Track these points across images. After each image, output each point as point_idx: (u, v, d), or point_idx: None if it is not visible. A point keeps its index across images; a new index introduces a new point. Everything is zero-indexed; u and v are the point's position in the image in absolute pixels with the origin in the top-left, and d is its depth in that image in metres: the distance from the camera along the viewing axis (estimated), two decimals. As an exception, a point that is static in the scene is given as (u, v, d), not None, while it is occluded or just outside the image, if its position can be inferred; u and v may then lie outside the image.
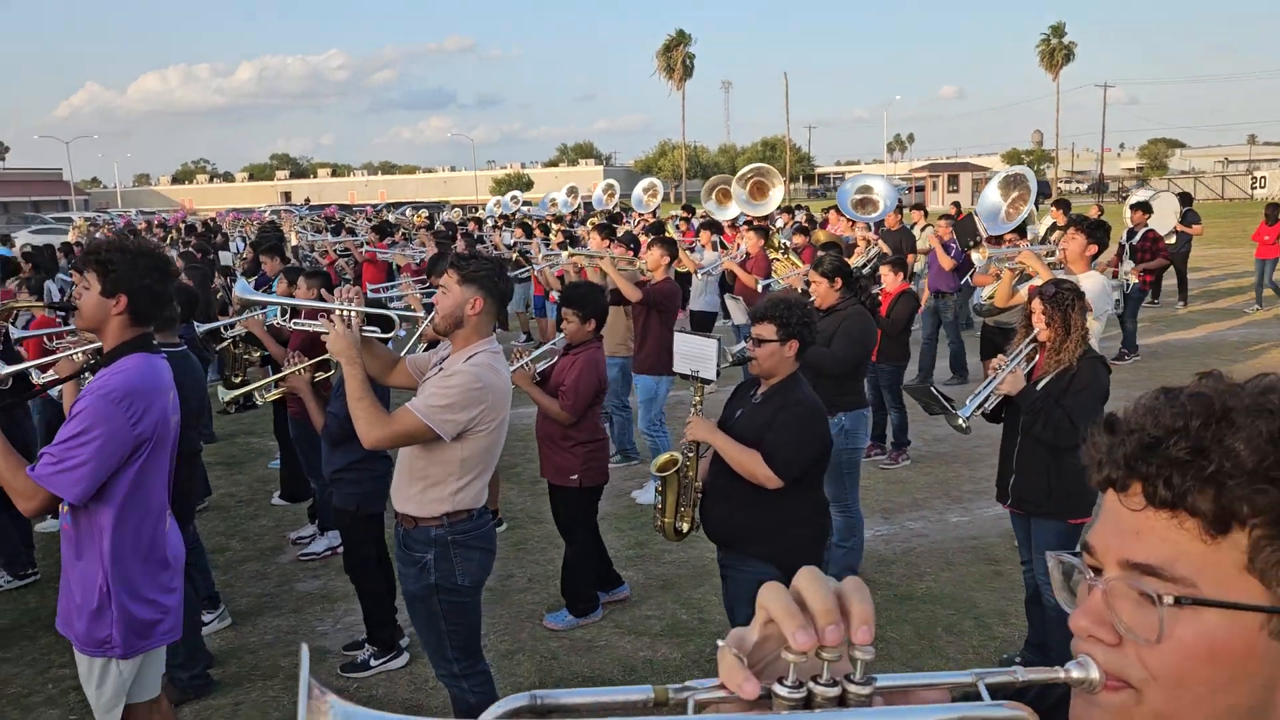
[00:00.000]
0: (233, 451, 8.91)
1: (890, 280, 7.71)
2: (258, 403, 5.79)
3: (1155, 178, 66.29)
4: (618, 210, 20.24)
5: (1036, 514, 4.28)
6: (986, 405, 4.40)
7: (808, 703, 0.73)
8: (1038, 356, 4.35)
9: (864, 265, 9.49)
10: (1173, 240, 11.72)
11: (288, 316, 4.42)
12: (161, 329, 4.20)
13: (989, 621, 5.06)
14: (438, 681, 4.15)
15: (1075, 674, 0.82)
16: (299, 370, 5.17)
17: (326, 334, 3.41)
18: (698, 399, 4.03)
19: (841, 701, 0.74)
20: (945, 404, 4.84)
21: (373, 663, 4.74)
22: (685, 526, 4.09)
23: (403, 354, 3.93)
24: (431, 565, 3.43)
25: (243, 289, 4.86)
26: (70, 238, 23.90)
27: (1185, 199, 15.53)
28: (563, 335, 5.20)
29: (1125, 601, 0.82)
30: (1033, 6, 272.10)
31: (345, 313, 3.35)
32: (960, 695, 0.80)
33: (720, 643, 0.77)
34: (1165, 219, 10.71)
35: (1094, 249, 5.60)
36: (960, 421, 4.55)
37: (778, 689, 0.73)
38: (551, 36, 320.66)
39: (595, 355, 5.10)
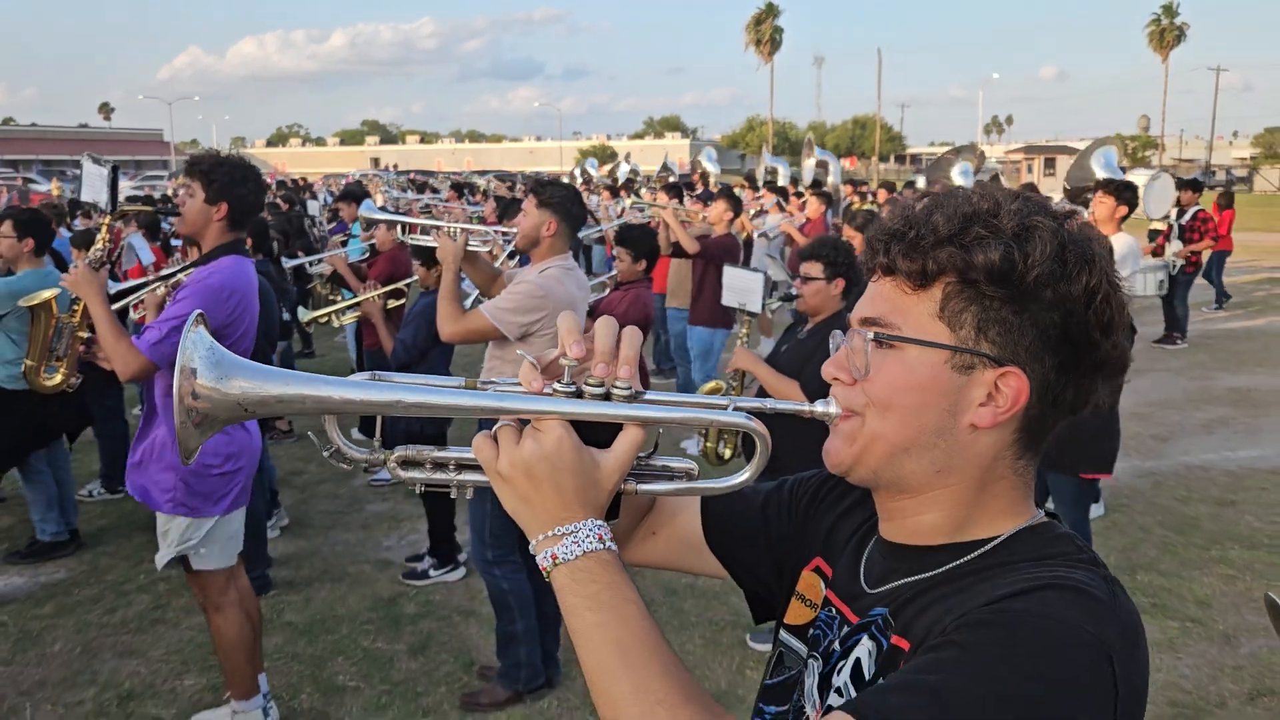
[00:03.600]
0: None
1: None
2: (335, 324, 6.15)
3: (1268, 166, 63.42)
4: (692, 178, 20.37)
5: (1049, 467, 4.33)
6: None
7: (578, 395, 0.97)
8: None
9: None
10: (1163, 228, 11.29)
11: (403, 231, 4.86)
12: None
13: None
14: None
15: (819, 408, 1.05)
16: (374, 297, 5.52)
17: (435, 246, 3.85)
18: (744, 331, 4.22)
19: (606, 397, 0.98)
20: None
21: (431, 573, 5.07)
22: (728, 453, 4.30)
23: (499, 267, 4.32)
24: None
25: (368, 208, 5.24)
26: (168, 191, 25.07)
27: (1195, 185, 14.79)
28: (614, 272, 5.45)
29: (857, 348, 1.03)
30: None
31: (453, 229, 3.84)
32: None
33: (522, 353, 1.03)
34: (1161, 203, 10.31)
35: (1123, 210, 5.58)
36: None
37: (556, 385, 0.98)
38: (641, 9, 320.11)
39: (643, 293, 5.32)
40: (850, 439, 1.04)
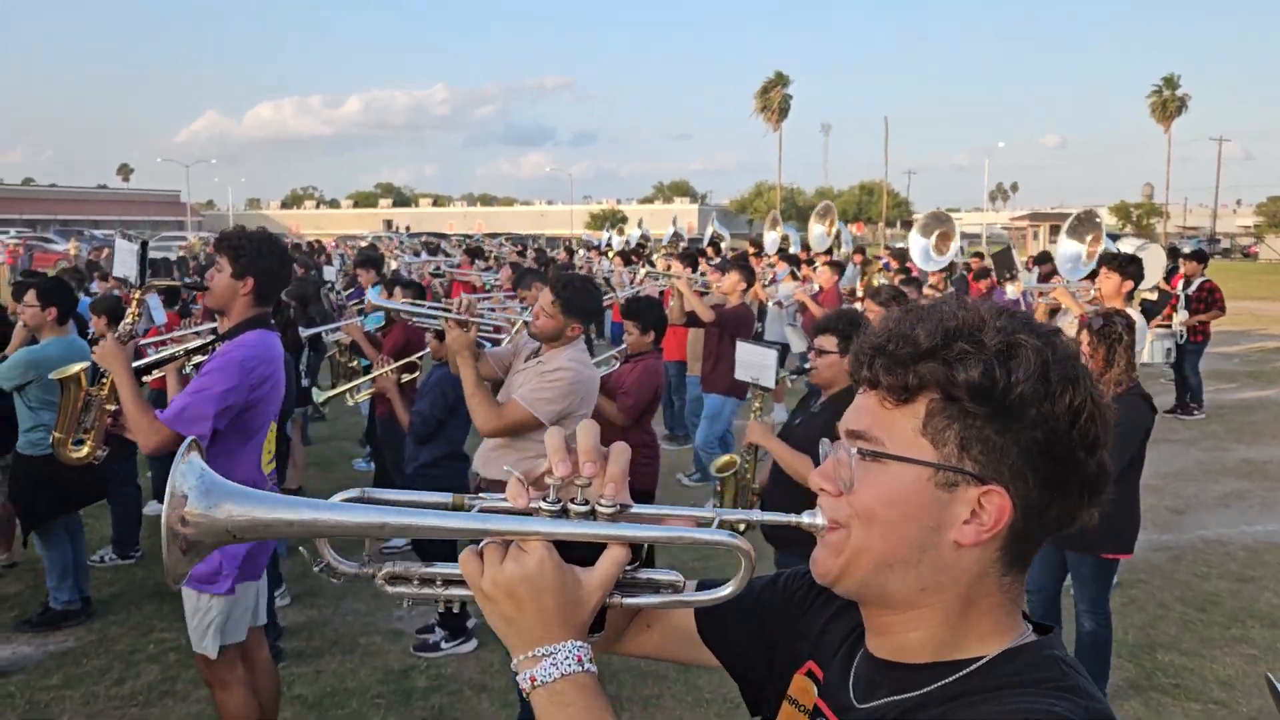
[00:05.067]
0: (326, 453, 9.40)
1: None
2: (349, 402, 6.17)
3: (1273, 235, 63.72)
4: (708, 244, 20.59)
5: (1068, 545, 4.28)
6: None
7: (564, 514, 1.00)
8: None
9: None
10: (1154, 297, 11.29)
11: (409, 320, 4.92)
12: None
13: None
14: (503, 664, 4.42)
15: (805, 520, 1.05)
16: (387, 372, 5.56)
17: (434, 332, 3.91)
18: (757, 405, 4.24)
19: (591, 515, 1.00)
20: None
21: (443, 645, 5.03)
22: (742, 527, 4.28)
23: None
24: None
25: (375, 295, 5.32)
26: (182, 253, 25.45)
27: (1174, 254, 14.87)
28: (624, 345, 5.50)
29: (842, 460, 1.04)
30: (1142, 56, 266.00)
31: (465, 319, 3.93)
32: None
33: (509, 469, 1.06)
34: (1151, 272, 10.35)
35: (1129, 285, 5.57)
36: None
37: (541, 504, 1.00)
38: (649, 76, 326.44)
39: (653, 364, 5.35)
40: (836, 550, 1.04)
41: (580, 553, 1.00)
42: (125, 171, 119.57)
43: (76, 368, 3.58)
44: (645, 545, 1.07)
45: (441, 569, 1.05)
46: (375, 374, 5.73)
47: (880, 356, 1.01)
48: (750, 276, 7.60)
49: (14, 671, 4.81)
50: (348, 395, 6.06)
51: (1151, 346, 10.89)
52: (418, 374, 5.82)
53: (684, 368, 8.39)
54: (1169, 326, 11.26)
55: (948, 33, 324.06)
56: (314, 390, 6.53)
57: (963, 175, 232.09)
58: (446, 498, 1.05)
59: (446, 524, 1.01)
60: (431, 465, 5.12)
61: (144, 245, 3.81)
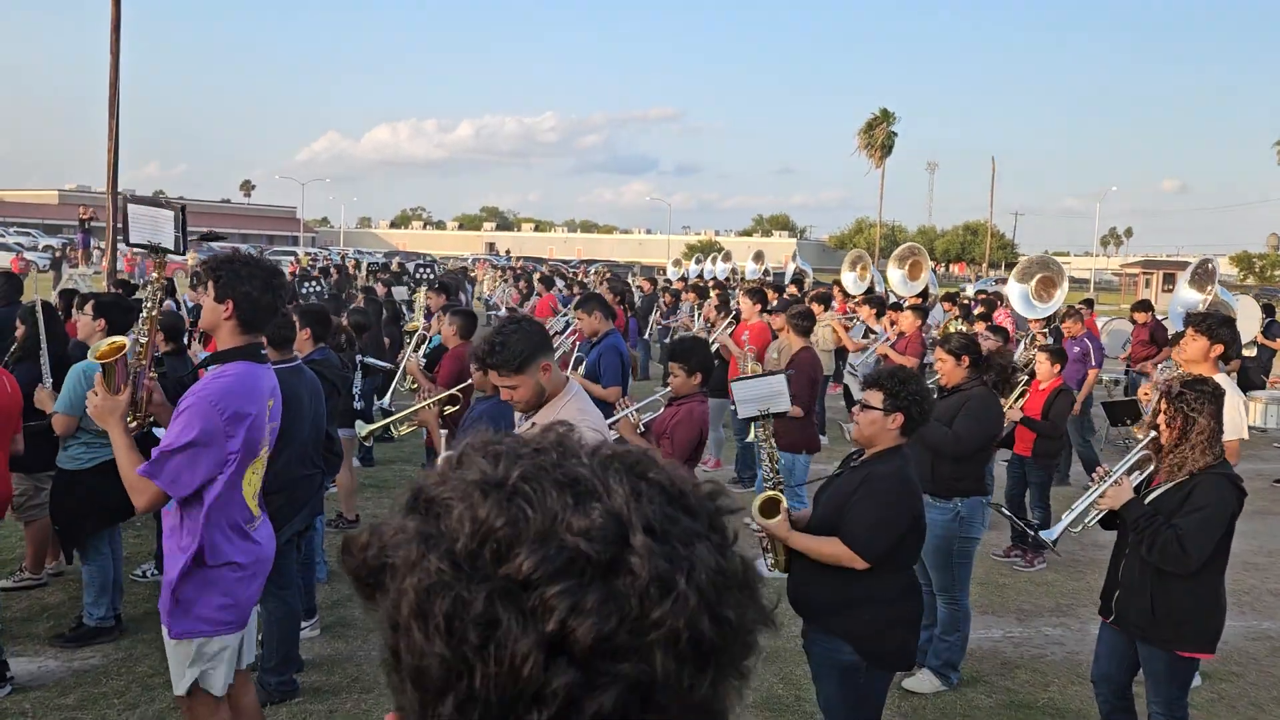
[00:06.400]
0: (386, 475, 9.37)
1: (1046, 372, 7.20)
2: (393, 435, 6.06)
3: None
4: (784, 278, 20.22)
5: (1140, 638, 3.86)
6: (1086, 520, 4.02)
7: None
8: (1155, 465, 3.91)
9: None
10: (1252, 353, 10.38)
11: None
12: (275, 347, 4.53)
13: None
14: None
15: None
16: (429, 405, 5.43)
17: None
18: (762, 433, 3.96)
19: None
20: (1018, 524, 4.50)
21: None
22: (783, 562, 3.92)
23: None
24: None
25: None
26: (290, 270, 26.16)
27: (1269, 309, 13.79)
28: (669, 388, 5.23)
29: None
30: (1268, 102, 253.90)
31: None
32: None
33: None
34: (1247, 328, 9.46)
35: (1219, 349, 4.83)
36: (1049, 543, 4.22)
37: None
38: (754, 110, 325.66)
39: (697, 408, 5.06)
40: None
41: None
42: (247, 188, 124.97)
43: (106, 344, 3.35)
44: None
45: None
46: (415, 407, 5.63)
47: None
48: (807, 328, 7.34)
49: (34, 687, 4.78)
50: (391, 428, 5.95)
51: (1263, 410, 10.15)
52: (458, 406, 5.68)
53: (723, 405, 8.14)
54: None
55: (1061, 72, 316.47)
56: (358, 424, 6.48)
57: (1072, 219, 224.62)
58: None
59: None
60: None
61: (183, 210, 3.59)
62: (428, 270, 16.97)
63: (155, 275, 3.44)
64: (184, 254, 3.59)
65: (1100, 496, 3.89)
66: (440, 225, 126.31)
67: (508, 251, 69.46)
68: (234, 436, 3.11)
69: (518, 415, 3.70)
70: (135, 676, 4.92)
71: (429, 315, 9.66)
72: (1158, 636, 3.79)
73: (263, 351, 3.36)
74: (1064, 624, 6.19)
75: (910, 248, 15.34)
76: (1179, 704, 3.91)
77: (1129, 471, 3.95)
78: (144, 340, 3.35)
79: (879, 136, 75.60)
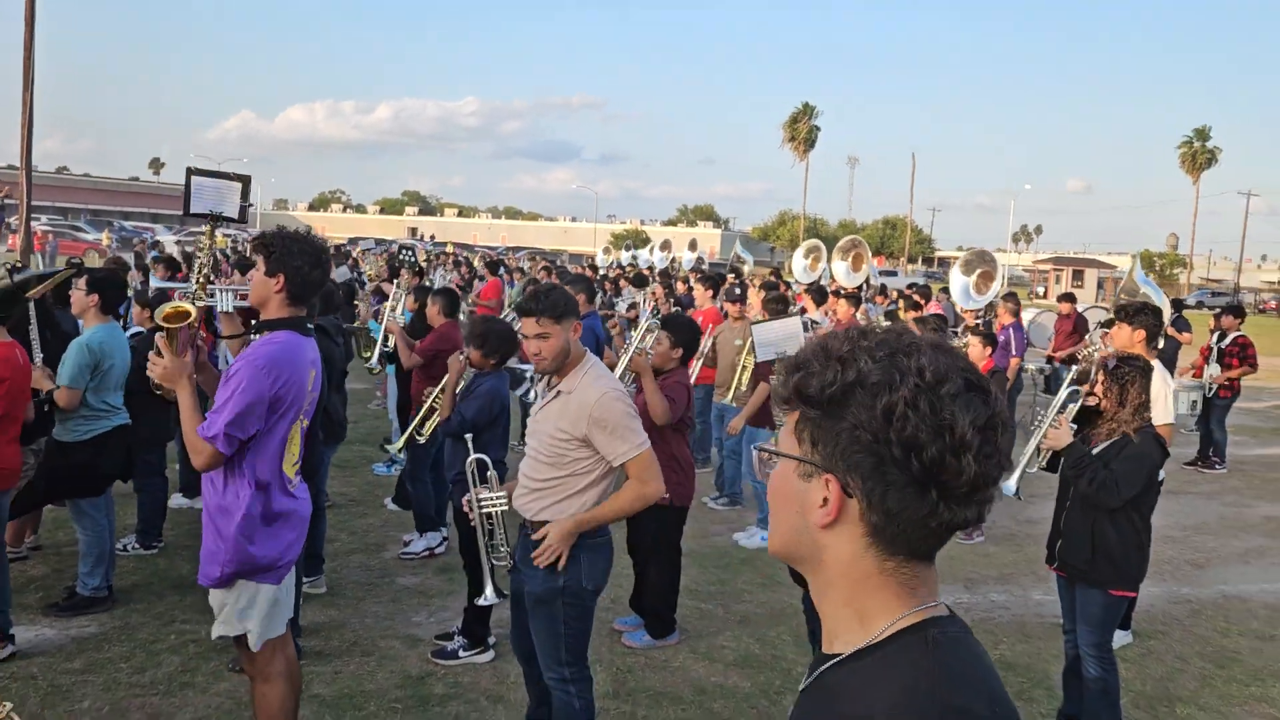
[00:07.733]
0: (348, 457, 9.45)
1: (978, 354, 7.64)
2: (420, 439, 6.11)
3: (1295, 292, 63.30)
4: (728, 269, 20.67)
5: (1079, 580, 4.37)
6: (1038, 463, 4.59)
7: None
8: (1094, 427, 4.47)
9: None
10: (1160, 344, 11.22)
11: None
12: None
13: (1060, 692, 5.06)
14: (518, 678, 4.43)
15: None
16: (435, 399, 5.73)
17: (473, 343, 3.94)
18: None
19: None
20: None
21: (461, 653, 5.04)
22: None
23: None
24: (562, 568, 3.55)
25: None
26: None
27: (1176, 305, 14.81)
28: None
29: (762, 459, 1.30)
30: (1173, 106, 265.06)
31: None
32: None
33: None
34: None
35: (1141, 334, 5.40)
36: (1013, 494, 4.72)
37: None
38: (678, 101, 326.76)
39: (683, 377, 5.37)
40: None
41: None
42: (157, 165, 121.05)
43: (183, 306, 3.43)
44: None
45: None
46: (426, 407, 5.92)
47: (780, 375, 1.21)
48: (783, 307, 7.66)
49: (37, 653, 4.85)
50: (415, 434, 6.08)
51: (1177, 398, 10.86)
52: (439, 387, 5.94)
53: (711, 391, 8.43)
54: (1199, 379, 11.24)
55: (977, 73, 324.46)
56: (387, 444, 6.67)
57: (986, 215, 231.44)
58: None
59: None
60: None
61: (248, 181, 3.70)
62: (408, 253, 17.19)
63: (208, 244, 3.57)
64: (245, 222, 3.69)
65: (1043, 437, 4.49)
66: (360, 209, 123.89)
67: (432, 236, 68.68)
68: (281, 400, 3.30)
69: (529, 392, 3.95)
70: (138, 643, 5.02)
71: (382, 299, 9.81)
72: (1095, 576, 4.29)
73: (309, 325, 3.54)
74: (1008, 590, 6.69)
75: (853, 240, 15.92)
76: (1107, 647, 4.40)
77: (1061, 409, 4.52)
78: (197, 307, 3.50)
79: (802, 130, 76.88)
